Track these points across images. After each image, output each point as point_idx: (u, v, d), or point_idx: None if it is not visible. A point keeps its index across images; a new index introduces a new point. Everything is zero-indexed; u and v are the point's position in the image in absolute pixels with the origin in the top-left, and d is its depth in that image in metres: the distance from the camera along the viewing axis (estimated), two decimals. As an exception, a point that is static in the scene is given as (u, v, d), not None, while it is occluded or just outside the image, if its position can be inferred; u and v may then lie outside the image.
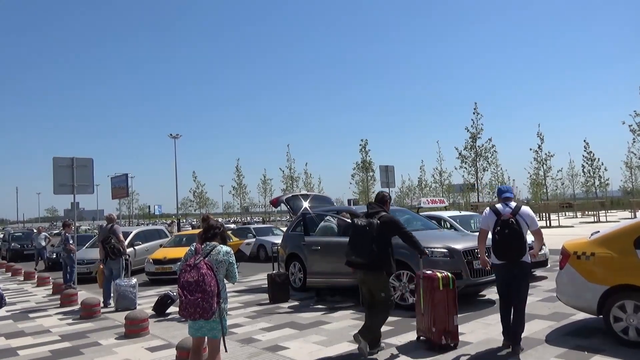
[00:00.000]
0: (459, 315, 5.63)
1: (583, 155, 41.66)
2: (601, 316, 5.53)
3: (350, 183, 39.97)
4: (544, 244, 8.34)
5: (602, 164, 42.18)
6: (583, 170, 43.25)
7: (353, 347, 5.78)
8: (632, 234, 5.44)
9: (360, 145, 37.58)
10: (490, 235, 5.44)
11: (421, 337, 5.82)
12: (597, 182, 43.23)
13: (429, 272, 5.82)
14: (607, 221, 30.39)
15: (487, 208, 5.67)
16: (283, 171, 47.63)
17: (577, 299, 5.85)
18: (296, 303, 8.77)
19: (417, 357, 5.32)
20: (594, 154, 41.64)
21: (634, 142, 30.35)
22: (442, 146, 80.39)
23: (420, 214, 11.83)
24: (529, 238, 5.61)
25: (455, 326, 5.59)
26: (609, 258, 5.51)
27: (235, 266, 4.36)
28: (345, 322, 7.08)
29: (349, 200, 43.39)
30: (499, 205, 5.54)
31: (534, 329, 6.18)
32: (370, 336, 5.39)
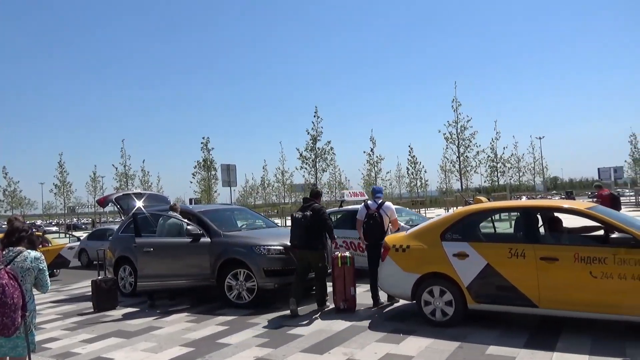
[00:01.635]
0: None
1: (408, 159, 46.53)
2: (414, 301, 6.22)
3: (191, 182, 38.67)
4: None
5: (423, 167, 47.67)
6: (408, 172, 48.34)
7: (185, 350, 5.58)
8: (438, 228, 6.24)
9: (202, 143, 36.65)
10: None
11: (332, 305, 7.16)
12: (419, 183, 48.71)
13: (337, 253, 7.21)
14: (426, 218, 34.32)
15: (362, 204, 7.74)
16: (117, 168, 44.12)
17: (395, 287, 6.49)
18: (125, 310, 8.16)
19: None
20: (416, 158, 46.82)
21: (447, 148, 34.77)
22: (284, 147, 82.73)
23: (344, 207, 11.87)
24: None
25: (352, 295, 7.03)
26: (420, 250, 6.21)
27: (47, 273, 3.87)
28: (179, 326, 6.80)
29: (190, 200, 41.98)
30: (370, 202, 7.49)
31: (360, 316, 6.67)
32: (318, 298, 7.25)
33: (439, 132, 33.99)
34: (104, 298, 8.24)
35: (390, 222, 7.36)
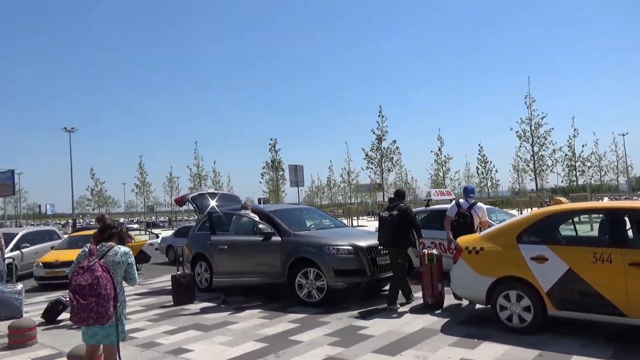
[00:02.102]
0: (363, 310, 5.64)
1: (477, 158, 45.08)
2: (489, 305, 6.02)
3: (260, 182, 39.73)
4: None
5: (494, 167, 46.02)
6: (477, 172, 46.83)
7: (259, 346, 5.77)
8: (515, 230, 6.00)
9: (269, 144, 37.56)
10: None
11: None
12: (489, 183, 47.05)
13: (424, 251, 7.34)
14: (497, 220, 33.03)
15: (453, 201, 8.08)
16: (190, 169, 46.24)
17: (468, 290, 6.32)
18: (202, 304, 8.54)
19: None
20: (486, 157, 45.27)
21: (520, 147, 33.25)
22: (350, 147, 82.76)
23: (431, 206, 11.22)
24: None
25: (439, 292, 7.18)
26: (495, 252, 6.01)
27: (135, 267, 4.15)
28: (252, 322, 7.03)
29: (259, 199, 43.13)
30: (461, 201, 7.79)
31: (430, 320, 6.57)
32: (390, 294, 7.27)
33: (511, 130, 32.64)
34: (182, 292, 8.68)
35: (480, 223, 7.58)
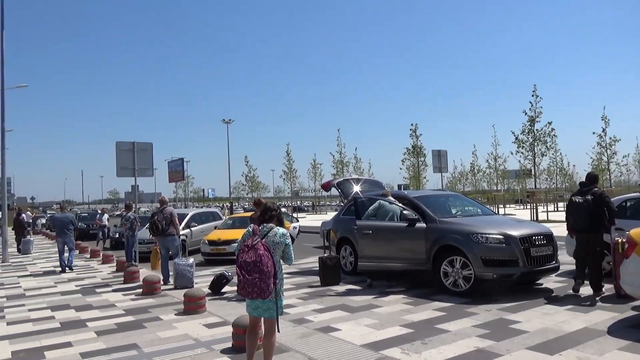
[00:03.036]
0: (514, 304, 5.41)
1: (653, 139, 39.04)
2: (670, 309, 5.25)
3: (401, 168, 39.39)
4: None
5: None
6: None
7: (405, 331, 5.79)
8: None
9: (410, 129, 36.95)
10: None
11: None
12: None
13: (617, 238, 6.98)
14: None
15: None
16: (333, 156, 47.74)
17: (643, 290, 5.56)
18: (347, 286, 8.84)
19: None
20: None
21: None
22: (497, 130, 77.70)
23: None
24: None
25: None
26: (680, 248, 5.19)
27: (291, 248, 4.43)
28: (397, 307, 7.08)
29: (399, 185, 42.96)
30: None
31: (594, 319, 5.95)
32: (593, 283, 7.21)
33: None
34: (329, 274, 9.08)
35: None
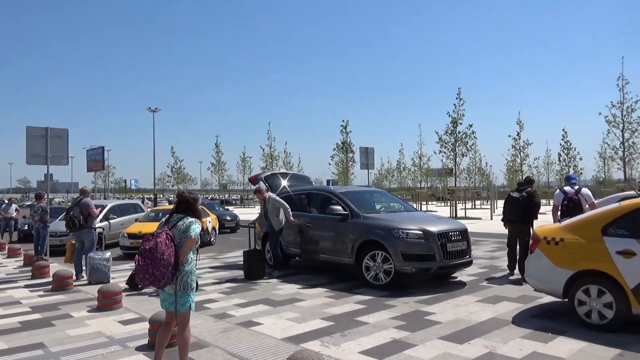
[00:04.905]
0: (430, 296, 5.66)
1: (560, 144, 42.41)
2: (566, 299, 5.72)
3: (330, 163, 39.91)
4: None
5: (578, 153, 43.07)
6: (559, 158, 44.06)
7: (326, 324, 5.88)
8: (600, 221, 5.61)
9: (341, 126, 37.49)
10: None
11: None
12: (571, 171, 44.14)
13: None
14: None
15: (558, 190, 8.62)
16: (263, 149, 47.39)
17: (544, 282, 6.02)
18: (272, 281, 8.82)
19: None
20: (570, 143, 42.45)
21: (608, 133, 30.78)
22: (423, 130, 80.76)
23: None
24: None
25: None
26: (576, 244, 5.67)
27: (193, 235, 4.11)
28: (319, 300, 7.16)
29: (328, 181, 43.46)
30: (566, 188, 8.37)
31: (501, 310, 6.36)
32: (521, 267, 8.14)
33: (600, 114, 30.25)
34: (253, 268, 9.01)
35: (588, 205, 8.04)
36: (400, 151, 67.32)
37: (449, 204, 32.55)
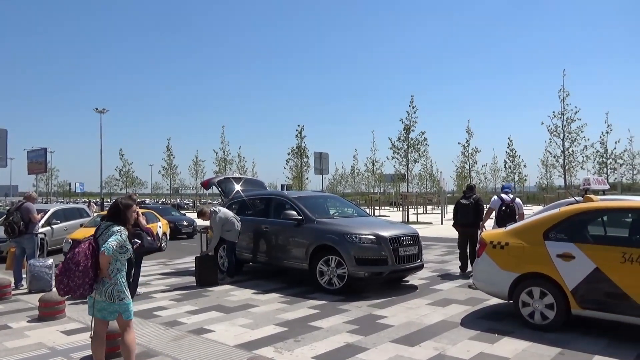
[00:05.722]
0: (382, 300, 5.78)
1: (506, 152, 44.29)
2: (512, 301, 5.96)
3: (285, 168, 39.91)
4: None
5: (522, 161, 45.10)
6: (505, 165, 45.98)
7: (279, 329, 5.85)
8: (542, 226, 5.89)
9: (296, 130, 37.63)
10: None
11: None
12: (516, 177, 46.15)
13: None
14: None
15: (495, 196, 9.46)
16: (217, 153, 46.77)
17: (491, 285, 6.25)
18: (224, 287, 8.68)
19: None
20: (516, 151, 44.40)
21: (550, 141, 32.43)
22: (376, 136, 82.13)
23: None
24: None
25: None
26: (520, 248, 5.93)
27: (114, 243, 3.93)
28: (273, 306, 7.12)
29: (282, 185, 43.37)
30: (503, 196, 9.22)
31: (450, 313, 6.55)
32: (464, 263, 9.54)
33: (542, 124, 31.83)
34: (205, 274, 8.84)
35: (518, 215, 8.91)
36: (354, 157, 68.27)
37: (401, 209, 33.19)
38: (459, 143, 40.19)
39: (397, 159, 32.55)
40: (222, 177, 11.91)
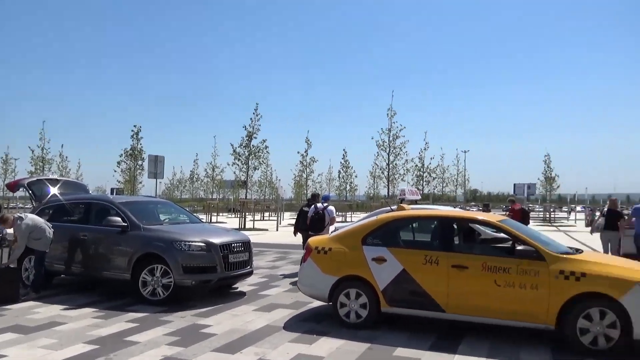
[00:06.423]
0: (208, 308, 5.61)
1: (341, 162, 47.33)
2: (331, 303, 6.31)
3: (116, 171, 36.84)
4: None
5: (354, 171, 48.67)
6: (339, 175, 49.12)
7: (89, 348, 5.30)
8: (361, 232, 6.39)
9: (132, 131, 35.06)
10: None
11: None
12: (348, 187, 49.61)
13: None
14: (352, 221, 34.89)
15: (312, 206, 10.30)
16: (33, 151, 41.13)
17: (313, 288, 6.55)
18: (27, 303, 7.58)
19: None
20: (349, 162, 47.73)
21: (378, 155, 35.58)
22: (218, 142, 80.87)
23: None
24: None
25: None
26: (341, 252, 6.32)
27: None
28: (85, 322, 6.43)
29: (112, 189, 40.00)
30: (319, 205, 10.22)
31: (274, 317, 6.67)
32: None
33: (372, 139, 34.79)
34: (3, 290, 7.62)
35: (330, 219, 10.10)
36: (195, 161, 66.17)
37: (239, 216, 33.14)
38: (298, 152, 41.67)
39: (238, 165, 32.49)
40: (35, 179, 10.51)
